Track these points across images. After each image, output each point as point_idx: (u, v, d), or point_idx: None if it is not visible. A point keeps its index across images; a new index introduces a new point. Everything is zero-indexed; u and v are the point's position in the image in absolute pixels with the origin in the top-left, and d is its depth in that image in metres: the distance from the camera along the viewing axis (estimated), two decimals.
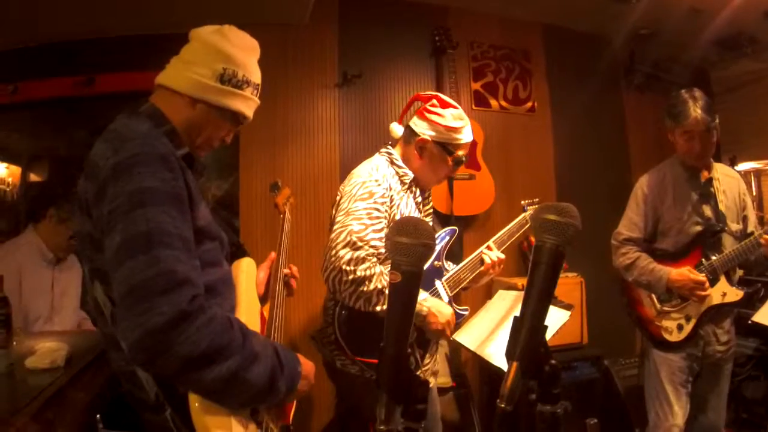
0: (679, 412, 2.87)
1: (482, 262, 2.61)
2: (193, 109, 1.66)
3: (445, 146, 2.43)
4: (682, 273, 2.81)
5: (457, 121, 2.43)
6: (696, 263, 2.86)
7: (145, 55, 3.68)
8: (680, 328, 2.87)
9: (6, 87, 3.68)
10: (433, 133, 2.42)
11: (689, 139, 2.83)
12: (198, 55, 1.68)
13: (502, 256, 2.64)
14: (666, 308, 2.93)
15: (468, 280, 2.60)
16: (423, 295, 2.29)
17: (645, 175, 3.12)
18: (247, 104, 1.76)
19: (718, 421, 2.97)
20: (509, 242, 2.74)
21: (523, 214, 2.83)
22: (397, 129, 2.56)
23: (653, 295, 2.98)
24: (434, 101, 2.46)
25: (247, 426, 1.45)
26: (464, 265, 2.59)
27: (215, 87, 1.66)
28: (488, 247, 2.65)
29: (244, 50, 1.74)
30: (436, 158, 2.45)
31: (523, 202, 2.93)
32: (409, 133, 2.49)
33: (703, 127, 2.78)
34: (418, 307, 2.21)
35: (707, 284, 2.78)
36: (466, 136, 2.46)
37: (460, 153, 2.46)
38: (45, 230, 3.07)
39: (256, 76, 1.78)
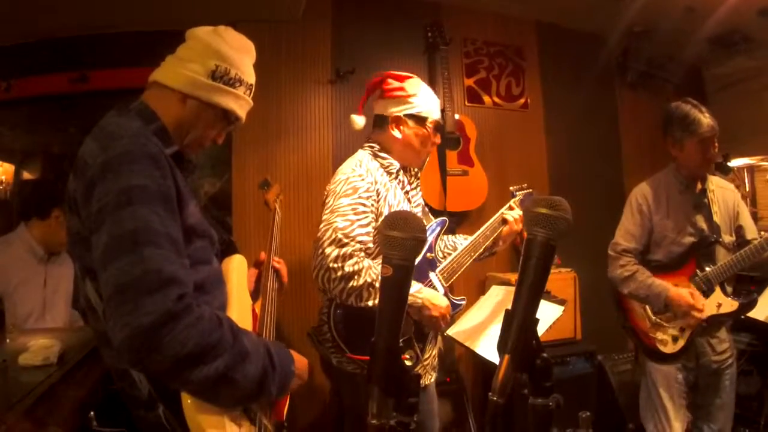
0: (677, 425, 2.85)
1: (504, 222, 2.64)
2: (183, 105, 1.65)
3: (417, 116, 2.44)
4: (681, 295, 2.78)
5: (416, 87, 2.46)
6: (690, 275, 2.85)
7: (139, 52, 3.70)
8: (675, 339, 2.84)
9: None
10: (402, 107, 2.43)
11: (705, 147, 2.81)
12: (192, 53, 1.68)
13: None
14: (660, 320, 2.90)
15: (488, 244, 2.64)
16: (417, 287, 2.29)
17: (640, 185, 3.10)
18: (238, 103, 1.75)
19: None
20: (500, 229, 2.72)
21: (512, 200, 2.81)
22: (358, 120, 2.60)
23: (647, 307, 2.95)
24: (389, 80, 2.48)
25: (240, 423, 1.45)
26: (460, 252, 2.59)
27: (206, 83, 1.65)
28: (510, 207, 2.70)
29: (238, 50, 1.74)
30: (415, 130, 2.45)
31: (512, 187, 2.91)
32: (381, 120, 2.50)
33: (716, 131, 2.79)
34: (411, 299, 2.23)
35: (704, 309, 2.75)
36: (430, 99, 2.49)
37: (435, 116, 2.48)
38: (47, 228, 3.06)
39: (249, 76, 1.78)
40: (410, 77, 2.49)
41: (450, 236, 2.80)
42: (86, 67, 3.73)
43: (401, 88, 2.43)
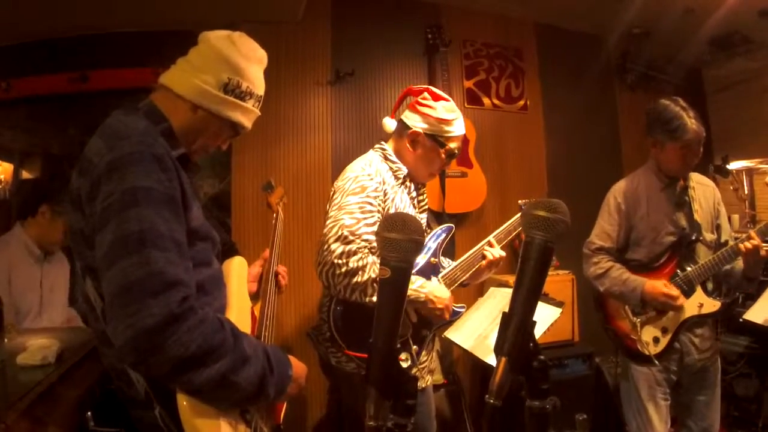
0: (659, 426, 2.83)
1: (483, 257, 2.59)
2: (194, 114, 1.65)
3: (436, 138, 2.43)
4: (656, 286, 2.75)
5: (449, 113, 2.43)
6: (671, 274, 2.82)
7: (139, 52, 3.70)
8: (656, 341, 2.81)
9: None
10: (424, 126, 2.42)
11: (687, 153, 2.77)
12: (205, 61, 1.67)
13: (503, 253, 2.62)
14: (641, 321, 2.86)
15: (467, 277, 2.59)
16: (419, 282, 2.30)
17: (618, 183, 3.05)
18: (247, 116, 1.76)
19: (711, 430, 2.89)
20: (506, 240, 2.70)
21: (512, 219, 2.76)
22: (389, 123, 2.57)
23: (628, 308, 2.90)
24: (426, 94, 2.47)
25: (236, 426, 1.45)
26: (461, 262, 2.58)
27: (218, 96, 1.66)
28: (489, 244, 2.63)
29: (251, 61, 1.74)
30: (428, 151, 2.45)
31: (520, 201, 2.91)
32: (402, 126, 2.49)
33: (702, 138, 2.74)
34: (415, 294, 2.25)
35: (680, 298, 2.73)
36: (457, 128, 2.46)
37: (452, 145, 2.46)
38: (38, 227, 3.06)
39: (260, 88, 1.78)
40: (447, 100, 2.47)
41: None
42: (86, 67, 3.73)
43: (432, 107, 2.43)
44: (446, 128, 2.43)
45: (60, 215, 3.03)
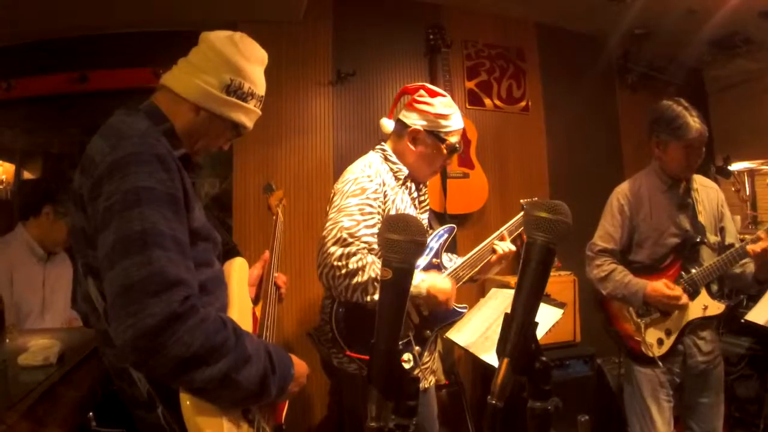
0: (662, 428, 2.81)
1: (492, 251, 2.57)
2: (196, 115, 1.66)
3: (436, 134, 2.42)
4: (657, 288, 2.74)
5: (446, 108, 2.43)
6: (676, 276, 2.81)
7: (139, 52, 3.70)
8: (660, 342, 2.80)
9: (0, 83, 3.67)
10: (423, 123, 2.41)
11: (690, 152, 2.76)
12: (206, 62, 1.67)
13: (513, 247, 2.60)
14: (645, 323, 2.85)
15: (474, 272, 2.57)
16: (419, 278, 2.27)
17: (621, 185, 3.04)
18: (249, 116, 1.77)
19: None
20: (509, 239, 2.66)
21: (521, 213, 2.77)
22: (387, 124, 2.56)
23: (632, 310, 2.88)
24: (422, 91, 2.46)
25: (238, 425, 1.45)
26: (465, 262, 2.56)
27: (220, 97, 1.66)
28: (501, 237, 2.62)
29: (253, 62, 1.74)
30: (429, 148, 2.43)
31: (522, 201, 2.90)
32: (401, 126, 2.48)
33: (705, 137, 2.74)
34: (416, 290, 2.21)
35: (683, 297, 2.72)
36: (456, 122, 2.46)
37: (453, 140, 2.45)
38: (40, 227, 3.06)
39: (261, 88, 1.79)
40: (443, 96, 2.47)
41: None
42: (86, 67, 3.74)
43: (429, 104, 2.42)
44: (444, 123, 2.42)
45: (63, 216, 3.03)
